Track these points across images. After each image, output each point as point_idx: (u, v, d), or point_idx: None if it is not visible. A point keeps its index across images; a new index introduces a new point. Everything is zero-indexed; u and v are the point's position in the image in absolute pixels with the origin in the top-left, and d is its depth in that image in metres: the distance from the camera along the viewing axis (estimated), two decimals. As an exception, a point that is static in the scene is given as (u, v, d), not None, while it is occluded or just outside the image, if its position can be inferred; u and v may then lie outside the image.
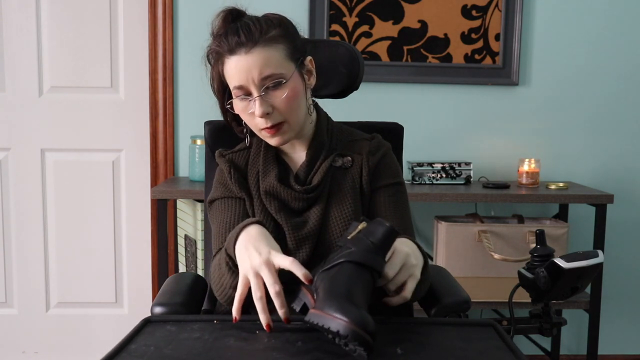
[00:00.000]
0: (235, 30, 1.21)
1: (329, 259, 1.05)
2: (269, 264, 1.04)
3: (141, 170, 2.66)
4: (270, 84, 1.21)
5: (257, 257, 1.05)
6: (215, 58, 1.26)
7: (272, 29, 1.23)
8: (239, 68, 1.21)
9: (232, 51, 1.21)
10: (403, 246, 1.10)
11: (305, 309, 1.00)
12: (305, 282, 1.02)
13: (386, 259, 1.05)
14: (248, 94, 1.23)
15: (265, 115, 1.22)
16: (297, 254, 1.23)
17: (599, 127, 2.63)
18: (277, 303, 1.01)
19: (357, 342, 0.87)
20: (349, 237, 1.06)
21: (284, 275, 1.04)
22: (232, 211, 1.29)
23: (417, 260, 1.12)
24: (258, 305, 1.02)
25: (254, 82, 1.21)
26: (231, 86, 1.24)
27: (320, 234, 1.25)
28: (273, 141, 1.28)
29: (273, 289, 1.01)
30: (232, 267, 1.13)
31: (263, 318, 1.02)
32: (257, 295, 1.03)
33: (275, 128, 1.25)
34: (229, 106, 1.27)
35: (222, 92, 1.31)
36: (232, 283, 1.14)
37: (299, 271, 1.02)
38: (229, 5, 1.27)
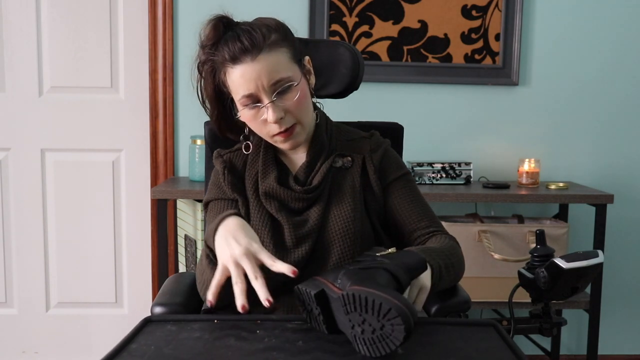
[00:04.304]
0: (236, 37, 1.19)
1: (358, 263, 1.07)
2: (248, 254, 1.04)
3: (141, 170, 2.66)
4: (280, 88, 1.21)
5: (237, 247, 1.05)
6: (212, 68, 1.24)
7: (273, 34, 1.21)
8: (247, 77, 1.19)
9: (235, 59, 1.19)
10: None
11: (322, 294, 0.99)
12: (292, 276, 1.00)
13: None
14: (257, 101, 1.21)
15: (279, 120, 1.22)
16: (296, 251, 1.23)
17: (599, 127, 2.63)
18: (257, 287, 1.01)
19: (404, 326, 0.86)
20: (378, 255, 1.08)
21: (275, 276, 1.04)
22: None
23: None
24: (236, 290, 1.02)
25: (264, 88, 1.20)
26: (238, 96, 1.22)
27: (320, 232, 1.26)
28: (286, 145, 1.27)
29: (253, 275, 1.02)
30: (213, 258, 1.13)
31: (240, 300, 1.01)
32: (237, 284, 1.03)
33: (289, 131, 1.24)
34: (237, 117, 1.26)
35: (217, 101, 1.29)
36: (211, 278, 1.13)
37: (282, 266, 1.02)
38: (217, 13, 1.23)
